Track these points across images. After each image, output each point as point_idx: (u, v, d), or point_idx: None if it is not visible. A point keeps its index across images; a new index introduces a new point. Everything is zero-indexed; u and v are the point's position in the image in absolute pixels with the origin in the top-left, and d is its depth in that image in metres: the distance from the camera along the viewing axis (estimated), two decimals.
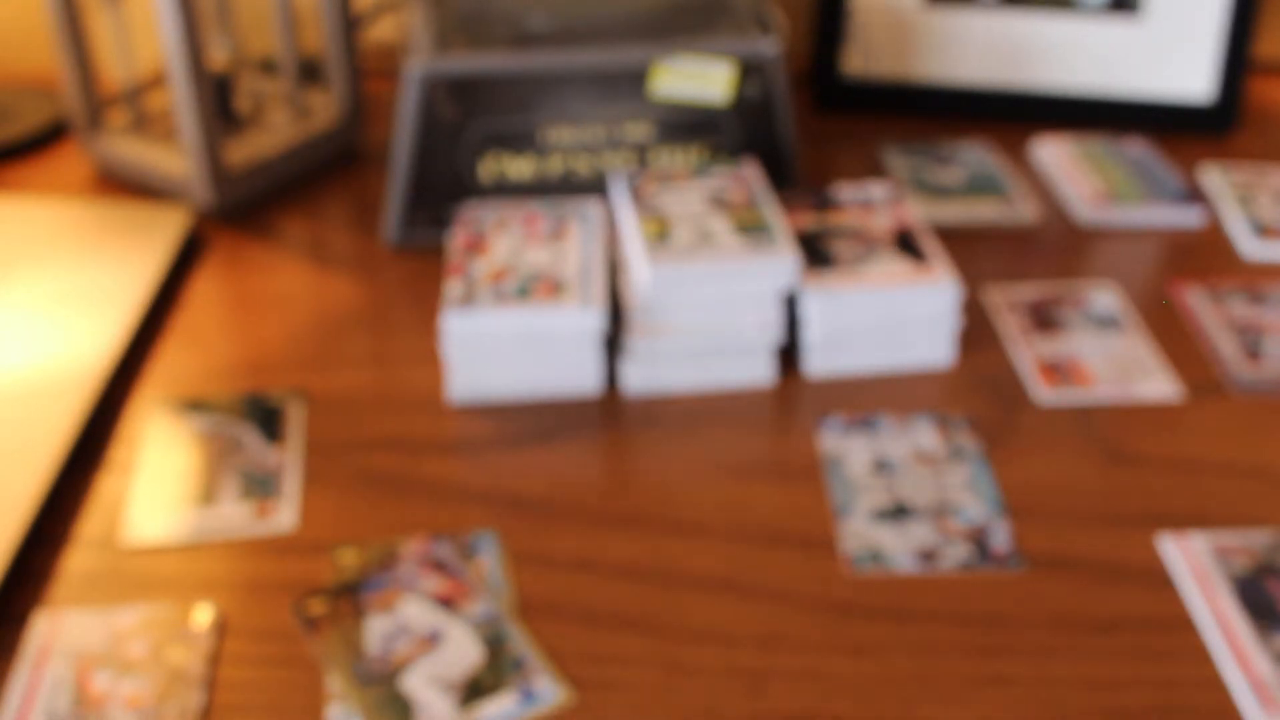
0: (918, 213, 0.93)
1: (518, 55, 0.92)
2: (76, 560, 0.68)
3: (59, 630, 0.63)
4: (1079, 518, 0.70)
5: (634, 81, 0.92)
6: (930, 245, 0.83)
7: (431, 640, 0.62)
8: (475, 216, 0.87)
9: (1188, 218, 0.98)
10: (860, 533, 0.69)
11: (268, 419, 0.77)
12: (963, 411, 0.78)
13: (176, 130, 0.96)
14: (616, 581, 0.66)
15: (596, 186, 0.93)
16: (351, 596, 0.65)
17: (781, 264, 0.78)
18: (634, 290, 0.79)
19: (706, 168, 0.89)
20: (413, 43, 0.95)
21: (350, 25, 1.03)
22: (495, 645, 0.62)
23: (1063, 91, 1.13)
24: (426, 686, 0.60)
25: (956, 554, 0.67)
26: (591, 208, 0.88)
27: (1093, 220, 0.98)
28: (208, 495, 0.72)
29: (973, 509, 0.70)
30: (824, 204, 0.88)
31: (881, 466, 0.73)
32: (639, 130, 0.93)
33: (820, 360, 0.81)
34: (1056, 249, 0.96)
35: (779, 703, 0.59)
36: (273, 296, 0.90)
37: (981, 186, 1.02)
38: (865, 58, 1.14)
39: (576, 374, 0.79)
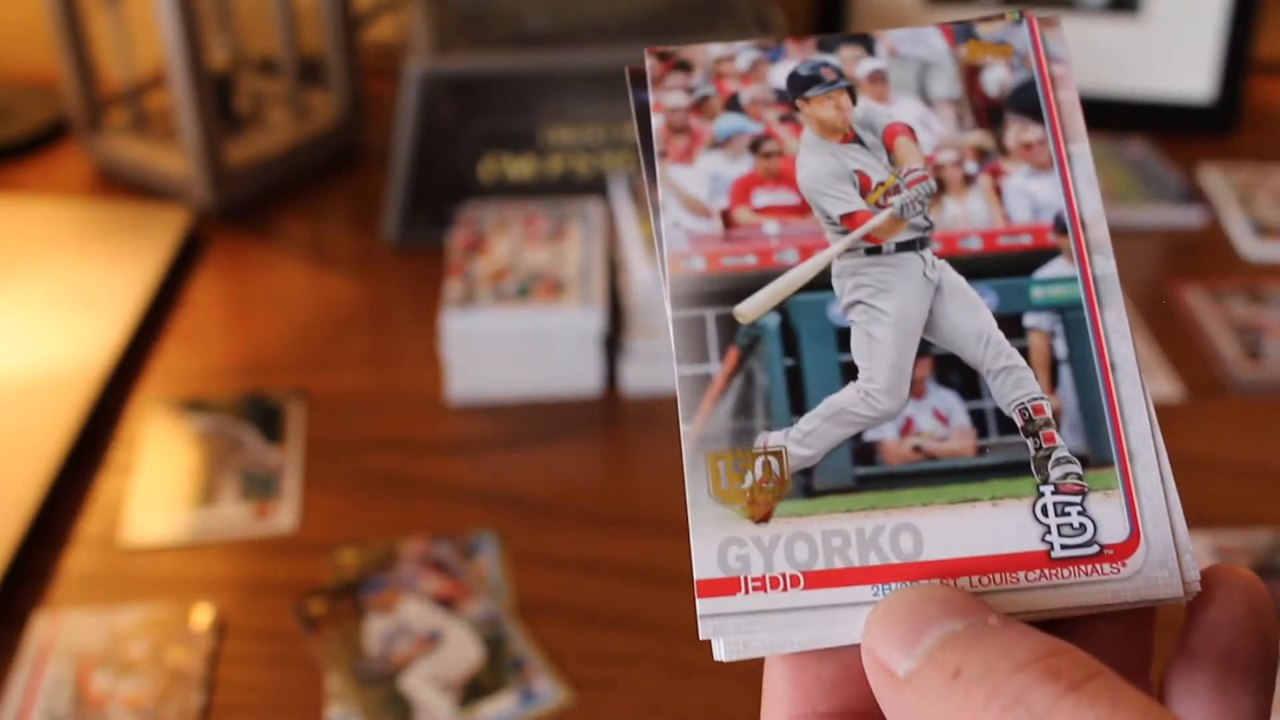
0: None
1: (518, 55, 0.92)
2: (76, 560, 0.68)
3: (59, 630, 0.63)
4: None
5: None
6: None
7: (431, 640, 0.62)
8: (475, 216, 0.87)
9: (1188, 218, 0.98)
10: None
11: (268, 419, 0.77)
12: None
13: (176, 130, 0.96)
14: (616, 581, 0.66)
15: (596, 186, 0.93)
16: (351, 596, 0.65)
17: None
18: (634, 290, 0.79)
19: None
20: (413, 43, 0.95)
21: (350, 25, 1.03)
22: (495, 645, 0.62)
23: None
24: (426, 686, 0.60)
25: None
26: (591, 208, 0.88)
27: None
28: (208, 495, 0.72)
29: None
30: None
31: None
32: None
33: None
34: None
35: None
36: (273, 296, 0.90)
37: None
38: None
39: (576, 374, 0.79)
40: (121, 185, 1.02)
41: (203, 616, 0.64)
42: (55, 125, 1.09)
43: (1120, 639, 0.26)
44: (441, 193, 0.93)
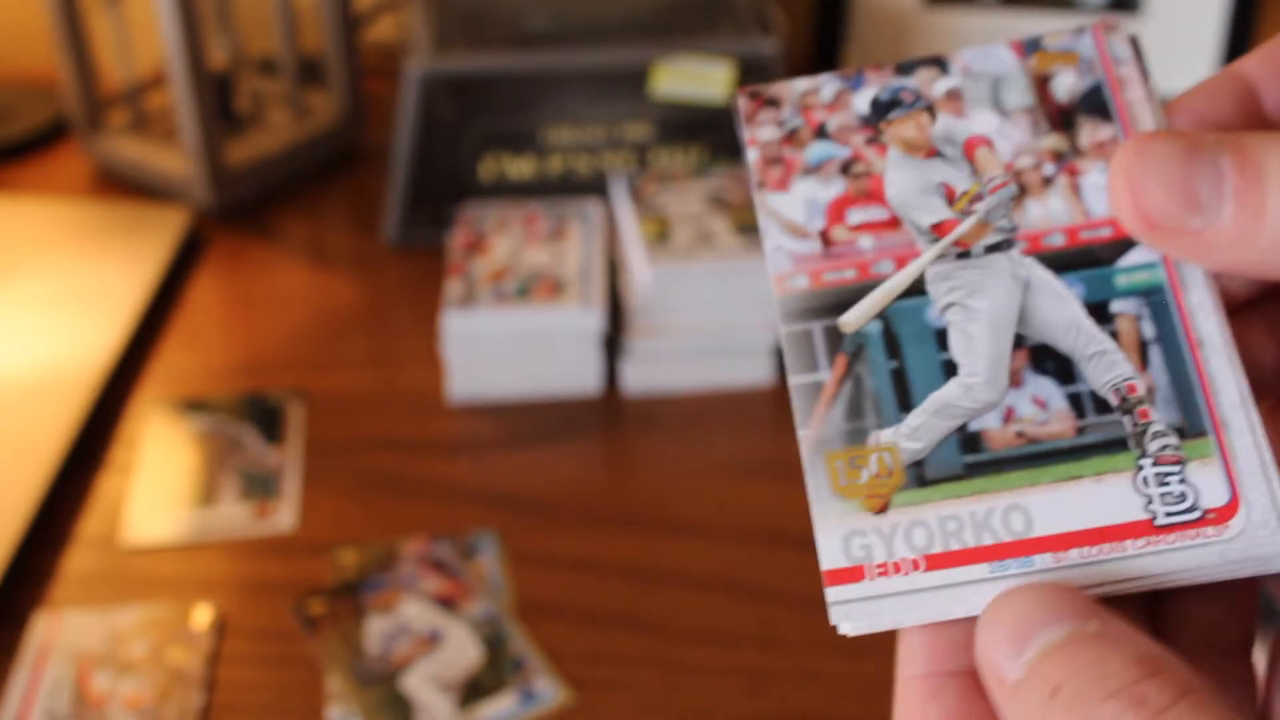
0: None
1: (518, 55, 0.92)
2: (76, 560, 0.68)
3: (59, 630, 0.63)
4: None
5: (634, 81, 0.92)
6: None
7: (431, 640, 0.62)
8: (475, 216, 0.87)
9: None
10: None
11: (268, 419, 0.77)
12: None
13: (176, 130, 0.96)
14: (616, 581, 0.66)
15: (596, 186, 0.93)
16: (351, 596, 0.65)
17: None
18: (634, 290, 0.79)
19: (706, 168, 0.89)
20: (413, 43, 0.95)
21: (350, 25, 1.03)
22: (495, 645, 0.62)
23: None
24: (426, 686, 0.60)
25: None
26: (591, 208, 0.88)
27: None
28: (208, 495, 0.72)
29: None
30: None
31: None
32: (639, 130, 0.93)
33: None
34: None
35: (779, 703, 0.59)
36: (273, 296, 0.90)
37: None
38: (865, 58, 1.14)
39: (576, 374, 0.79)
40: (121, 185, 1.02)
41: (203, 616, 0.64)
42: (55, 125, 1.09)
43: (1222, 620, 0.28)
44: (441, 193, 0.93)
